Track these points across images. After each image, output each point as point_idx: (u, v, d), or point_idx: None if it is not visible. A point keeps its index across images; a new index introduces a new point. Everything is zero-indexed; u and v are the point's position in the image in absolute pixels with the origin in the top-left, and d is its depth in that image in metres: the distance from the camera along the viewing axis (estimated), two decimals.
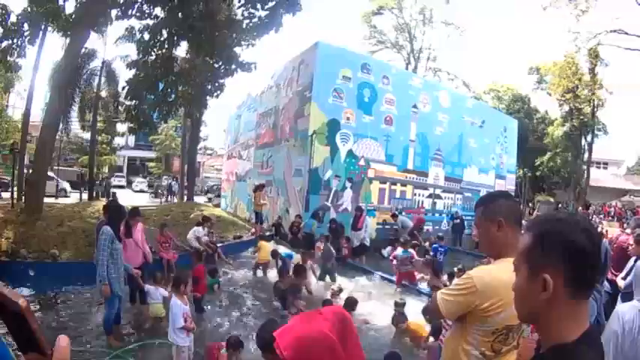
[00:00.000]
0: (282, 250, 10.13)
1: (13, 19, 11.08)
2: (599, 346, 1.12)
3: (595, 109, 34.00)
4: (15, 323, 0.67)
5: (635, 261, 4.97)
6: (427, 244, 11.65)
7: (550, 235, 1.10)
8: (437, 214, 16.59)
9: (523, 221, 2.24)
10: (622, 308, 2.67)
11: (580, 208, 30.04)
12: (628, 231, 6.54)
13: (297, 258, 8.84)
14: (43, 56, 14.43)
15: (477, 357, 1.88)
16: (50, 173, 17.78)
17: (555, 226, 1.10)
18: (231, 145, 22.03)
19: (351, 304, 6.05)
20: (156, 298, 5.89)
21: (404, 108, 15.23)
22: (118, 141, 34.84)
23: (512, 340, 1.89)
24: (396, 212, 13.67)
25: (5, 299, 0.65)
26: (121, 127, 28.48)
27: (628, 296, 4.74)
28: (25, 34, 11.36)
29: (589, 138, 35.62)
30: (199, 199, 23.83)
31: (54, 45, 35.85)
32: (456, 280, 2.06)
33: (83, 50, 14.96)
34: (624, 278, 4.87)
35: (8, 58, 11.40)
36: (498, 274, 1.80)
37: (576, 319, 1.08)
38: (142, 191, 32.77)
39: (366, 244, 12.09)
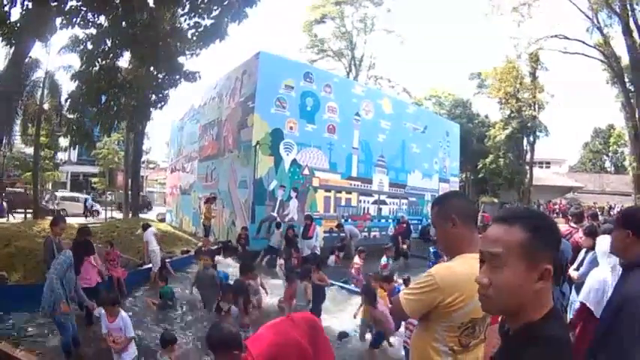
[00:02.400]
0: (222, 267, 9.91)
1: None
2: (562, 319, 1.28)
3: (536, 112, 35.71)
4: None
5: (586, 253, 5.25)
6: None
7: (547, 229, 1.19)
8: (383, 220, 16.84)
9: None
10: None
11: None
12: (573, 224, 6.90)
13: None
14: None
15: (446, 353, 1.90)
16: None
17: (547, 222, 1.21)
18: (175, 158, 21.53)
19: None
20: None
21: (346, 116, 15.41)
22: (61, 156, 33.34)
23: (479, 334, 1.93)
24: (342, 222, 13.81)
25: None
26: (64, 142, 27.24)
27: (580, 285, 5.02)
28: None
29: (530, 139, 37.36)
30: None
31: None
32: (416, 279, 2.07)
33: (27, 60, 14.25)
34: (577, 269, 5.12)
35: None
36: (458, 269, 1.87)
37: (545, 300, 1.17)
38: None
39: (317, 252, 12.11)
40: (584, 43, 29.26)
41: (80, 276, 6.13)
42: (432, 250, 10.58)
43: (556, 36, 29.88)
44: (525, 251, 1.14)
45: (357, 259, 9.62)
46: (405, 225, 14.79)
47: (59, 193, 28.50)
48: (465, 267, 1.84)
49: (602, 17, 27.59)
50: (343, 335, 6.23)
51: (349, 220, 14.63)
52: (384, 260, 9.67)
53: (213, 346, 2.94)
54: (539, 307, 1.16)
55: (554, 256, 1.18)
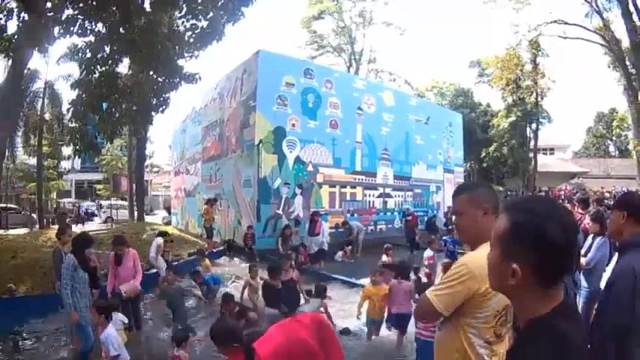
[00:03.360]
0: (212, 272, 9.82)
1: None
2: (574, 313, 1.18)
3: (538, 99, 35.51)
4: None
5: (593, 239, 5.21)
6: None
7: (523, 227, 1.11)
8: (388, 213, 16.80)
9: None
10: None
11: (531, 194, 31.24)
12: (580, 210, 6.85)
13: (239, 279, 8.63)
14: None
15: (481, 345, 1.87)
16: None
17: (529, 219, 1.11)
18: (178, 161, 21.52)
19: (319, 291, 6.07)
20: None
21: (349, 111, 15.35)
22: (64, 165, 33.46)
23: (509, 321, 1.90)
24: (347, 219, 13.75)
25: None
26: (67, 150, 27.35)
27: (589, 272, 4.98)
28: None
29: (534, 126, 37.16)
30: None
31: None
32: (447, 273, 2.01)
33: (26, 71, 14.29)
34: (584, 255, 5.08)
35: None
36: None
37: (547, 299, 1.12)
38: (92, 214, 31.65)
39: (324, 249, 12.11)
40: (584, 27, 29.11)
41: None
42: (447, 239, 10.44)
43: (555, 21, 29.73)
44: (500, 243, 1.17)
45: (384, 258, 9.39)
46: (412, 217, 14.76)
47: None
48: None
49: (602, 1, 27.42)
50: (345, 332, 6.16)
51: (355, 214, 14.57)
52: (429, 253, 9.34)
53: (215, 338, 3.10)
54: (543, 301, 1.12)
55: (532, 258, 1.08)
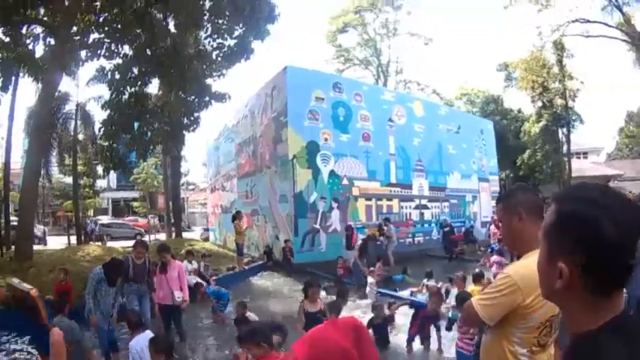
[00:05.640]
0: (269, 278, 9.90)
1: None
2: (630, 333, 0.92)
3: (568, 101, 34.61)
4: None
5: None
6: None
7: (570, 217, 0.95)
8: (426, 225, 16.62)
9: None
10: None
11: None
12: None
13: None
14: (17, 103, 14.36)
15: (524, 355, 1.85)
16: None
17: (577, 207, 0.94)
18: (213, 178, 21.93)
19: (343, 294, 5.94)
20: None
21: (380, 123, 15.37)
22: (100, 183, 34.45)
23: (555, 331, 1.88)
24: (384, 224, 13.46)
25: (20, 294, 0.58)
26: (101, 169, 28.20)
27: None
28: None
29: (565, 130, 36.16)
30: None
31: (27, 91, 35.62)
32: (493, 282, 1.99)
33: (57, 94, 14.87)
34: None
35: None
36: (534, 267, 1.75)
37: (598, 310, 0.93)
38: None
39: None
40: (605, 24, 28.22)
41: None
42: (493, 246, 10.36)
43: (577, 20, 28.96)
44: (547, 237, 1.00)
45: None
46: (449, 229, 14.63)
47: None
48: None
49: None
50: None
51: (392, 226, 14.46)
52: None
53: (243, 338, 3.23)
54: (593, 312, 0.92)
55: (580, 255, 0.90)
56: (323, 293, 7.15)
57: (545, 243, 1.01)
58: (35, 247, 13.99)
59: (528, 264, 1.84)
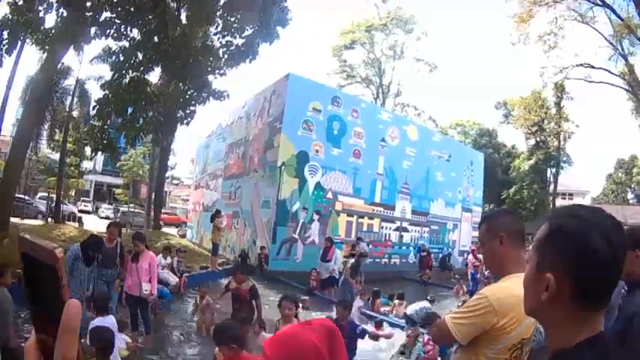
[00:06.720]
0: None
1: None
2: (606, 350, 0.96)
3: (561, 142, 35.16)
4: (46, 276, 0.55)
5: None
6: None
7: (562, 231, 0.97)
8: (404, 247, 16.66)
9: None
10: None
11: None
12: None
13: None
14: (18, 71, 14.17)
15: None
16: None
17: (569, 223, 0.96)
18: (199, 175, 21.80)
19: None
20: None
21: (372, 141, 15.45)
22: (86, 165, 33.91)
23: (526, 353, 1.87)
24: (358, 240, 13.43)
25: (40, 250, 0.54)
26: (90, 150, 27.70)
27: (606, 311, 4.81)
28: (4, 42, 11.20)
29: (554, 170, 36.70)
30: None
31: (29, 59, 35.12)
32: (468, 302, 1.99)
33: (59, 66, 14.69)
34: None
35: None
36: (511, 290, 1.74)
37: (580, 325, 0.94)
38: (107, 218, 31.80)
39: (335, 276, 11.92)
40: (608, 71, 28.80)
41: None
42: (473, 272, 10.50)
43: (581, 65, 29.49)
44: (537, 250, 1.02)
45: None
46: (426, 254, 14.65)
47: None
48: (517, 287, 1.74)
49: (626, 45, 27.13)
50: None
51: (370, 245, 14.43)
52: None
53: (216, 338, 3.33)
54: (575, 327, 0.93)
55: (569, 269, 0.92)
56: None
57: (535, 256, 1.02)
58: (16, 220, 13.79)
59: (505, 286, 1.88)
